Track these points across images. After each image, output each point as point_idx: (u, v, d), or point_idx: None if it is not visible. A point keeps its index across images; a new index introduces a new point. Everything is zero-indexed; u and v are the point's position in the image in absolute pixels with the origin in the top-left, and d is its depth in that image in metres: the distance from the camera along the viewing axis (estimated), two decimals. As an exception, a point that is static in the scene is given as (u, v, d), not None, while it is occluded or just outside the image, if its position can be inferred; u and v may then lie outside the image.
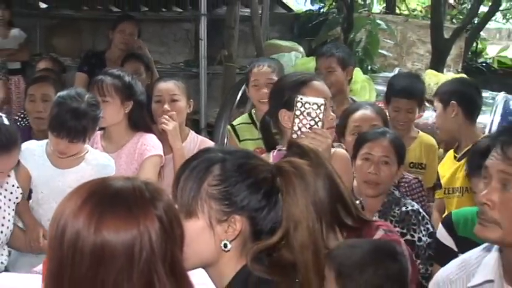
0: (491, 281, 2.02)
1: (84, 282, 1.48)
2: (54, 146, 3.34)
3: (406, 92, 4.23)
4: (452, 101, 3.90)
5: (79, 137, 3.31)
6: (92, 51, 6.22)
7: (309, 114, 2.78)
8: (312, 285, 1.77)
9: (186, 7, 7.52)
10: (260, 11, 7.60)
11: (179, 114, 3.93)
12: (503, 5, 7.89)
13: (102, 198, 1.51)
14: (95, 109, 3.38)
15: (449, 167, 3.91)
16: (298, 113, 2.78)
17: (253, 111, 4.25)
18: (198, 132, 4.83)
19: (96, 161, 3.51)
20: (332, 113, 2.97)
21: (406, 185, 3.67)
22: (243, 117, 4.28)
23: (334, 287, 2.23)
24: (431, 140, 4.37)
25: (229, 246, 1.78)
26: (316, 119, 2.78)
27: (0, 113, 3.21)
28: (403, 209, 3.18)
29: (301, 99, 2.80)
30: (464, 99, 3.98)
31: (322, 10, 7.97)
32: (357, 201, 2.83)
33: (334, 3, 7.64)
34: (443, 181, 3.93)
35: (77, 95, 3.37)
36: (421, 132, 4.41)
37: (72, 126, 3.27)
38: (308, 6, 8.23)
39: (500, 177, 1.91)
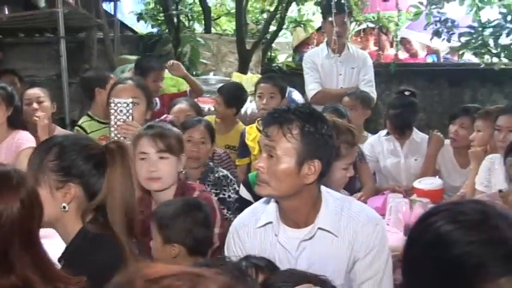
0: (271, 222, 2.08)
1: None
2: None
3: None
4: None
5: None
6: None
7: (121, 111, 2.75)
8: (122, 238, 1.74)
9: (54, 32, 7.18)
10: (113, 34, 7.45)
11: (45, 112, 3.87)
12: (290, 26, 8.11)
13: None
14: None
15: (257, 141, 3.95)
16: (113, 111, 2.76)
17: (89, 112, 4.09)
18: (63, 127, 4.66)
19: None
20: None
21: (218, 157, 3.70)
22: (84, 118, 4.05)
23: (158, 237, 2.25)
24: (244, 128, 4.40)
25: (67, 208, 1.74)
26: (127, 114, 2.75)
27: None
28: (216, 175, 3.20)
29: (114, 100, 2.79)
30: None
31: (158, 32, 7.86)
32: (184, 172, 2.80)
33: (166, 26, 7.54)
34: (254, 153, 3.99)
35: None
36: (240, 123, 4.41)
37: None
38: (149, 29, 8.12)
39: (266, 149, 1.97)
